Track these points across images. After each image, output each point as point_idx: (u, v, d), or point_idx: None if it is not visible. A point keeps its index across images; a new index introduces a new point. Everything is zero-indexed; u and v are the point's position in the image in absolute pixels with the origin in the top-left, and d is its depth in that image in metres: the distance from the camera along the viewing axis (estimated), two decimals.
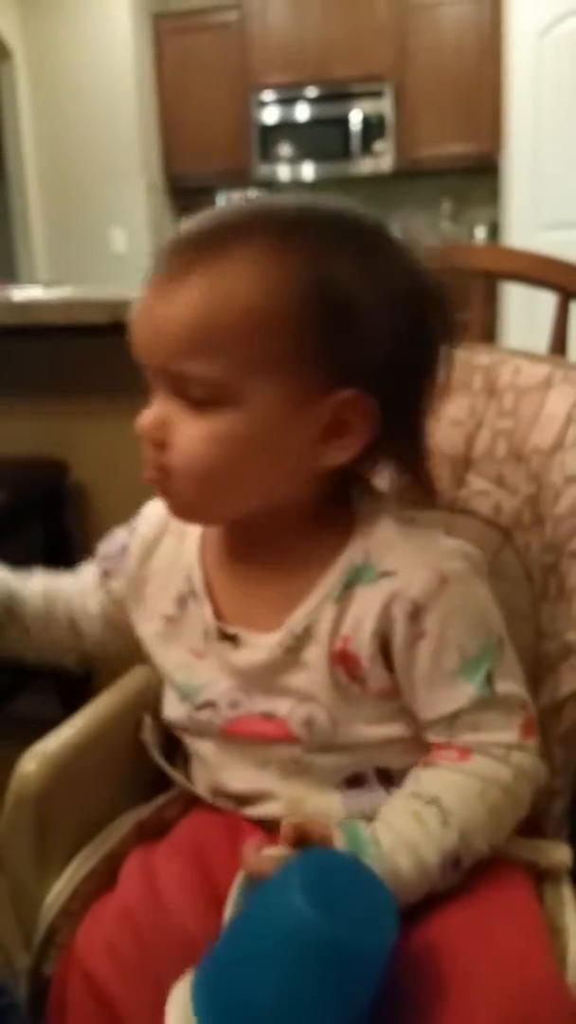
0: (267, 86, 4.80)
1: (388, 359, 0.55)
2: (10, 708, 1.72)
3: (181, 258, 0.53)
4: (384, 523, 0.59)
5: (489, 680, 0.57)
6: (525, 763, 0.58)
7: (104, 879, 0.62)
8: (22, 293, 2.22)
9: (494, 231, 4.71)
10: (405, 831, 0.54)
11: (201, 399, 0.53)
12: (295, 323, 0.52)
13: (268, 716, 0.61)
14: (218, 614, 0.62)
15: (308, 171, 4.91)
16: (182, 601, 0.63)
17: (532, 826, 0.63)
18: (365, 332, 0.54)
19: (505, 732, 0.57)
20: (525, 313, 3.50)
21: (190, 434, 0.54)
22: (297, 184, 4.97)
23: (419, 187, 4.94)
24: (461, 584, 0.58)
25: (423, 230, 0.64)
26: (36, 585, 0.71)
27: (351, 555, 0.58)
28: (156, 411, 0.55)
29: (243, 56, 4.81)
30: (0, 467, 1.64)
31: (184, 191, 5.21)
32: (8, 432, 1.72)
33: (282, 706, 0.60)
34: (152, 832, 0.65)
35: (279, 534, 0.60)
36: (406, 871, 0.52)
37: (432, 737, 0.59)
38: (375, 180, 4.90)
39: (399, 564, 0.58)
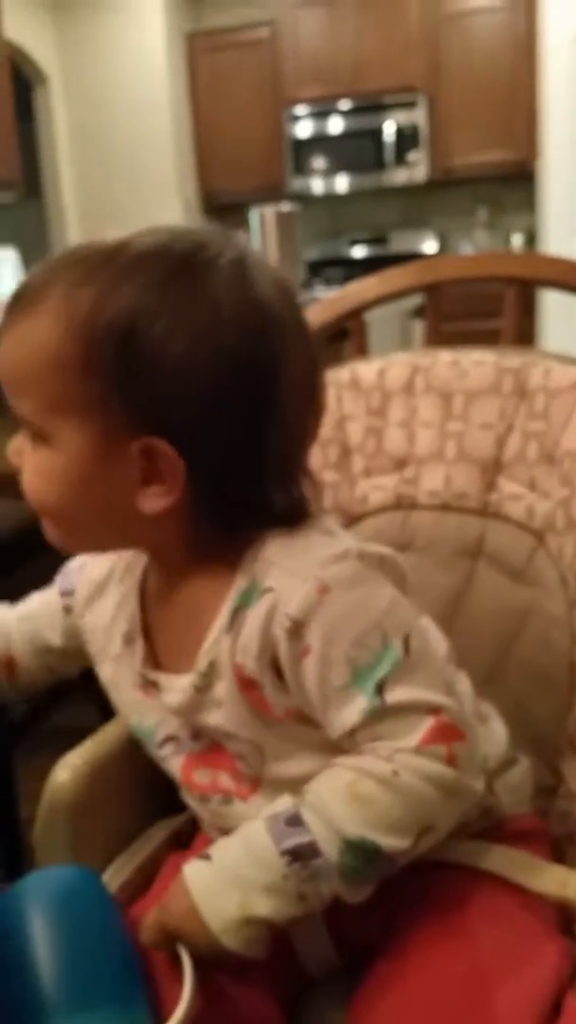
0: (300, 101, 4.84)
1: (196, 407, 0.52)
2: (49, 718, 1.74)
3: (9, 309, 0.54)
4: (269, 543, 0.56)
5: (380, 690, 0.52)
6: (418, 764, 0.52)
7: (139, 888, 0.62)
8: None
9: (531, 238, 4.68)
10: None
11: (33, 434, 0.55)
12: (84, 367, 0.51)
13: (216, 751, 0.60)
14: (152, 656, 0.62)
15: (342, 183, 4.93)
16: (129, 639, 0.63)
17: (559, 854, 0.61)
18: (165, 380, 0.51)
19: (403, 740, 0.53)
20: (564, 320, 3.46)
21: (28, 466, 0.56)
22: (331, 196, 5.01)
23: (454, 196, 4.94)
24: (344, 590, 0.54)
25: (282, 270, 0.60)
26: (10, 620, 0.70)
27: (240, 582, 0.56)
28: (15, 441, 0.57)
29: (275, 72, 4.86)
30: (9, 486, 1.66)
31: (219, 207, 5.27)
32: None
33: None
34: (186, 841, 0.65)
35: (179, 574, 0.59)
36: (231, 851, 0.53)
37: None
38: (409, 190, 4.91)
39: (277, 580, 0.55)
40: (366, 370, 0.86)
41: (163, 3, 4.79)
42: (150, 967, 0.52)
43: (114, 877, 0.62)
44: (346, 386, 0.85)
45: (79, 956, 0.50)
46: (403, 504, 0.82)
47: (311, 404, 0.59)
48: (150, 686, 0.61)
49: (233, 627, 0.56)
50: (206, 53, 5.00)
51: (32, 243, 4.83)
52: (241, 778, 0.59)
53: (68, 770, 0.62)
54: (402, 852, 0.52)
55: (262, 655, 0.55)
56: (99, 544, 0.62)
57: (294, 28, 4.79)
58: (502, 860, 0.59)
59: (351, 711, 0.53)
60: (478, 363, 0.81)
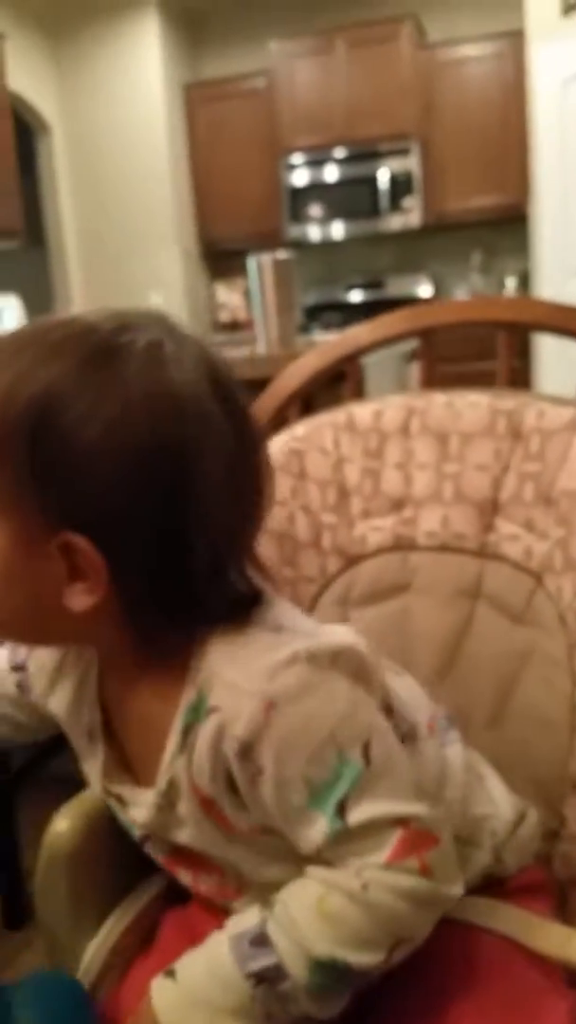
0: (296, 149, 4.95)
1: (110, 501, 0.49)
2: (49, 767, 1.73)
3: None
4: (211, 648, 0.52)
5: (341, 810, 0.49)
6: (388, 879, 0.49)
7: (140, 935, 0.61)
8: None
9: (525, 281, 4.75)
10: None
11: None
12: None
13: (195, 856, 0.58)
14: (117, 758, 0.59)
15: (338, 230, 5.02)
16: (91, 737, 0.60)
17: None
18: (78, 475, 0.48)
19: (371, 855, 0.50)
20: (559, 362, 3.50)
21: None
22: (327, 243, 5.08)
23: (448, 241, 5.02)
24: (293, 704, 0.50)
25: (206, 342, 0.55)
26: None
27: (188, 695, 0.53)
28: None
29: (272, 121, 4.97)
30: None
31: (218, 254, 5.35)
32: None
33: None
34: (184, 894, 0.64)
35: (131, 678, 0.56)
36: (198, 974, 0.51)
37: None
38: (404, 236, 4.99)
39: (221, 697, 0.51)
40: (362, 412, 0.86)
41: (161, 54, 4.92)
42: None
43: (113, 928, 0.61)
44: (343, 428, 0.86)
45: None
46: (402, 545, 0.82)
47: (246, 491, 0.54)
48: (114, 798, 0.59)
49: (186, 746, 0.53)
50: (204, 103, 5.12)
51: (35, 290, 4.89)
52: (224, 881, 0.58)
53: (67, 820, 0.61)
54: (374, 967, 0.50)
55: (215, 776, 0.52)
56: (40, 641, 0.59)
57: (290, 78, 4.91)
58: (507, 919, 0.58)
59: (313, 832, 0.50)
60: (472, 405, 0.82)
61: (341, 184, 4.93)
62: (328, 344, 1.04)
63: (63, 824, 0.61)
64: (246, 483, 0.54)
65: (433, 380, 1.11)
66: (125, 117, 4.98)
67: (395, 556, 0.82)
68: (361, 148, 4.84)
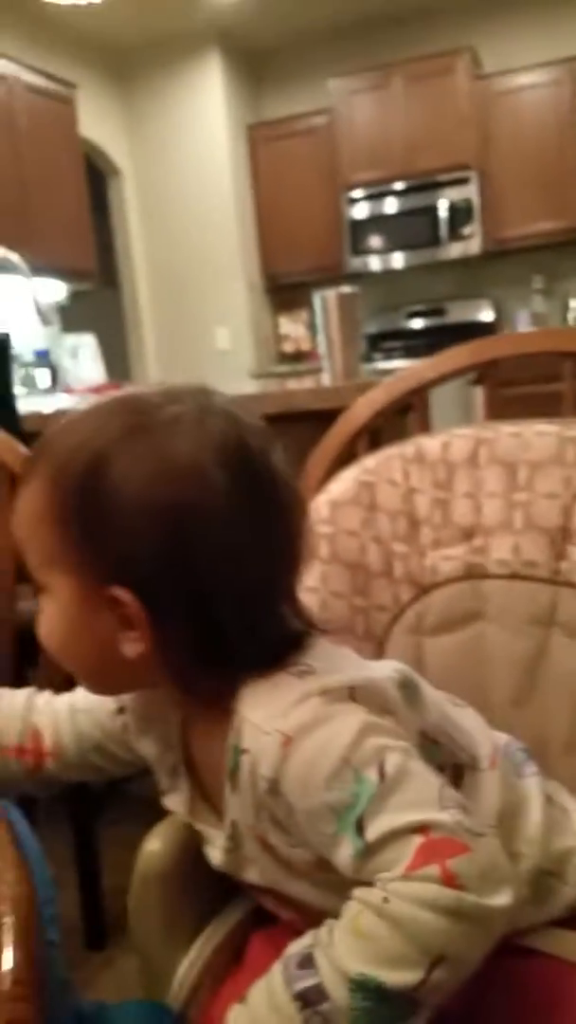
0: (357, 184, 5.02)
1: (148, 558, 0.54)
2: (129, 789, 1.76)
3: (23, 473, 0.60)
4: (243, 694, 0.56)
5: (360, 828, 0.50)
6: (408, 890, 0.49)
7: (230, 954, 0.64)
8: None
9: None
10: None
11: (40, 587, 0.59)
12: (58, 519, 0.55)
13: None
14: (198, 797, 0.63)
15: (398, 260, 5.06)
16: (174, 773, 0.64)
17: None
18: (115, 537, 0.54)
19: (394, 868, 0.50)
20: None
21: (40, 616, 0.60)
22: (388, 272, 5.12)
23: (509, 266, 5.02)
24: (306, 735, 0.52)
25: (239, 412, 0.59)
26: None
27: (231, 740, 0.56)
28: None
29: (333, 157, 5.06)
30: None
31: (281, 288, 5.44)
32: None
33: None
34: (272, 916, 0.66)
35: (194, 721, 0.61)
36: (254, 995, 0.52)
37: None
38: (464, 263, 5.00)
39: (249, 739, 0.55)
40: (430, 444, 0.88)
41: (224, 96, 5.06)
42: None
43: (204, 947, 0.64)
44: (412, 460, 0.88)
45: None
46: (473, 574, 0.83)
47: (269, 548, 0.57)
48: (199, 830, 0.62)
49: (235, 788, 0.57)
50: (266, 142, 5.25)
51: (109, 329, 5.05)
52: (302, 911, 0.59)
53: (159, 841, 0.64)
54: (412, 987, 0.47)
55: (259, 814, 0.56)
56: (110, 688, 0.64)
57: (349, 114, 5.00)
58: None
59: (343, 857, 0.51)
60: (540, 434, 0.83)
61: (401, 215, 4.98)
62: (394, 379, 1.07)
63: (155, 844, 0.64)
64: (270, 542, 0.57)
65: (497, 407, 1.13)
66: (191, 158, 5.13)
67: (466, 585, 0.83)
68: (420, 179, 4.89)
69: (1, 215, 3.87)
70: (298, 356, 5.50)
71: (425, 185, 4.90)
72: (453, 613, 0.83)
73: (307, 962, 0.50)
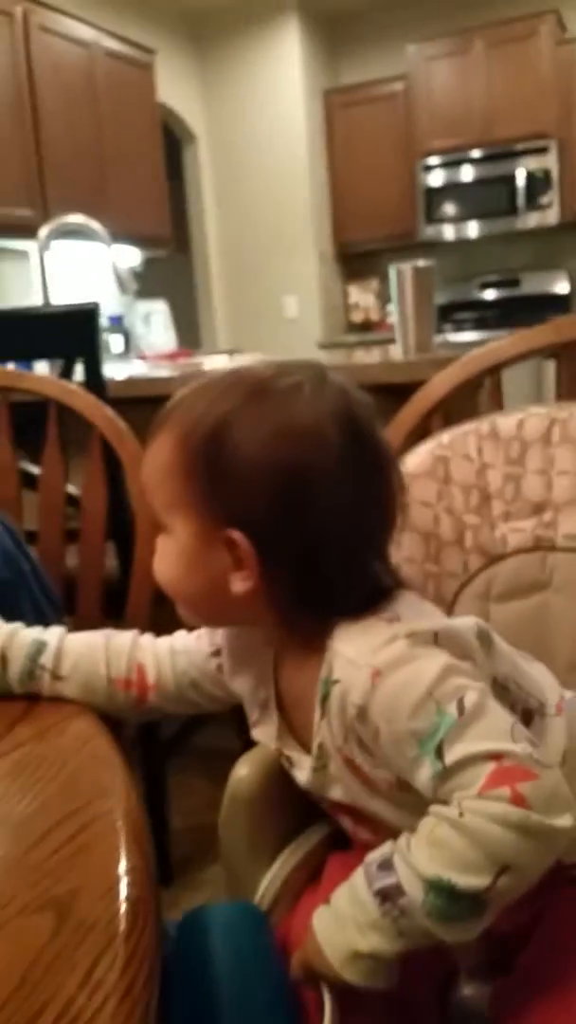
0: (433, 151, 4.97)
1: (261, 508, 0.62)
2: (192, 740, 1.86)
3: (152, 429, 0.68)
4: (337, 633, 0.63)
5: (440, 753, 0.57)
6: (481, 806, 0.55)
7: (308, 872, 0.72)
8: (212, 362, 2.41)
9: None
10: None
11: (162, 528, 0.68)
12: (187, 472, 0.64)
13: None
14: (286, 726, 0.70)
15: (472, 229, 5.01)
16: (264, 707, 0.72)
17: None
18: (235, 486, 0.62)
19: (470, 788, 0.56)
20: None
21: (156, 554, 0.68)
22: (462, 241, 5.08)
23: None
24: (395, 670, 0.60)
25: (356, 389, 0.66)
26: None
27: (323, 672, 0.64)
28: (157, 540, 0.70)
29: (409, 124, 5.01)
30: None
31: (352, 256, 5.43)
32: None
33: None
34: (348, 836, 0.74)
35: (287, 656, 0.69)
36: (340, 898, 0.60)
37: None
38: (540, 233, 4.93)
39: (342, 670, 0.62)
40: (505, 422, 0.93)
41: (302, 62, 5.04)
42: (304, 997, 0.61)
43: (285, 864, 0.71)
44: (486, 437, 0.93)
45: (243, 988, 0.60)
46: (541, 546, 0.88)
47: (372, 508, 0.65)
48: (285, 758, 0.71)
49: (325, 714, 0.64)
50: (342, 108, 5.21)
51: (180, 295, 5.12)
52: (378, 830, 0.66)
53: (246, 767, 0.72)
54: (483, 890, 0.55)
55: (347, 737, 0.63)
56: (214, 620, 0.73)
57: (427, 81, 4.93)
58: None
59: (423, 776, 0.58)
60: None
61: (477, 183, 4.92)
62: (471, 357, 1.11)
63: (243, 770, 0.72)
64: (372, 501, 0.65)
65: (572, 386, 1.16)
66: (267, 124, 5.13)
67: (534, 556, 0.88)
68: (498, 148, 4.82)
69: (81, 182, 3.96)
70: (367, 326, 5.50)
71: (503, 153, 4.82)
72: (520, 582, 0.88)
73: (387, 865, 0.58)
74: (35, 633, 0.78)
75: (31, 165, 3.72)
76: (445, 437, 0.94)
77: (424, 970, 0.61)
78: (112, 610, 1.25)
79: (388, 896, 0.57)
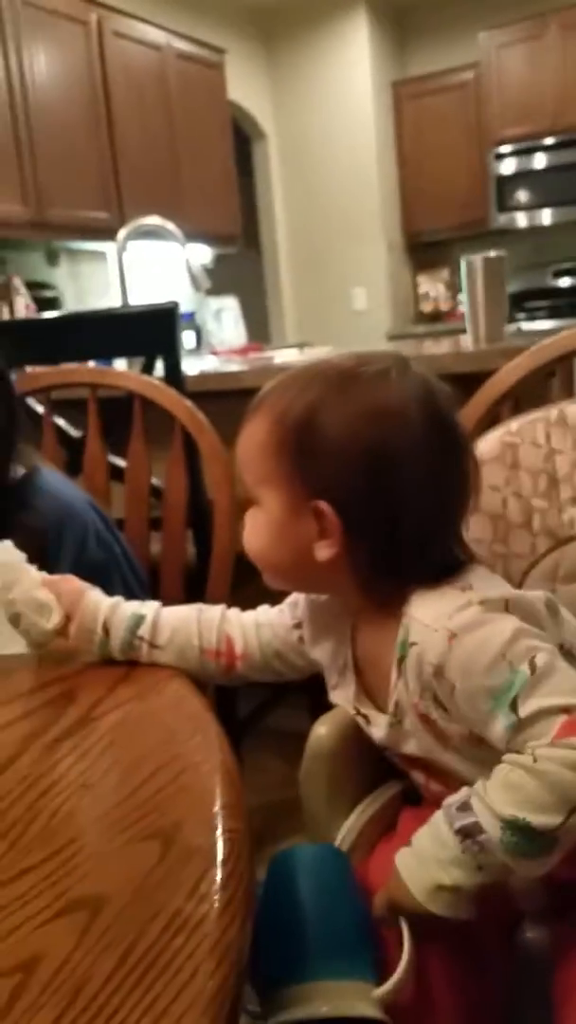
0: (504, 140, 4.93)
1: (347, 482, 0.68)
2: (267, 720, 1.93)
3: (248, 412, 0.75)
4: (413, 599, 0.69)
5: (514, 707, 0.63)
6: (554, 753, 0.61)
7: (383, 824, 0.78)
8: (282, 356, 2.47)
9: None
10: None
11: (252, 501, 0.74)
12: (279, 451, 0.70)
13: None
14: (362, 688, 0.76)
15: (546, 217, 4.95)
16: (342, 672, 0.78)
17: None
18: (324, 460, 0.68)
19: (543, 738, 0.62)
20: None
21: (247, 526, 0.75)
22: (535, 229, 5.02)
23: None
24: (469, 632, 0.65)
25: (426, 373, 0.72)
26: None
27: (399, 635, 0.69)
28: (247, 513, 0.76)
29: (480, 113, 4.98)
30: None
31: (422, 246, 5.42)
32: None
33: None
34: (419, 793, 0.80)
35: (365, 621, 0.75)
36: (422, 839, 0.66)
37: None
38: None
39: (419, 634, 0.68)
40: (573, 410, 0.97)
41: (370, 54, 5.05)
42: (387, 941, 0.66)
43: (361, 815, 0.78)
44: (555, 424, 0.96)
45: (328, 919, 0.66)
46: None
47: (448, 485, 0.71)
48: (362, 717, 0.77)
49: (401, 674, 0.70)
50: (411, 99, 5.21)
51: (250, 291, 5.20)
52: (449, 783, 0.72)
53: (325, 726, 0.78)
54: (555, 828, 0.60)
55: (424, 695, 0.69)
56: (298, 586, 0.79)
57: (498, 69, 4.89)
58: None
59: (498, 728, 0.64)
60: None
61: (551, 170, 4.87)
62: (540, 347, 1.14)
63: (322, 729, 0.78)
64: (449, 480, 0.72)
65: None
66: (335, 118, 5.16)
67: None
68: (572, 134, 4.75)
69: (155, 183, 4.07)
70: (436, 316, 5.49)
71: None
72: None
73: (465, 807, 0.64)
74: (134, 606, 0.86)
75: (107, 169, 3.84)
76: (514, 424, 0.98)
77: (492, 913, 0.66)
78: (191, 593, 1.33)
79: (468, 834, 0.62)
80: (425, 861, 0.64)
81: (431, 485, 0.70)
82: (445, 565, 0.72)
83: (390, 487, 0.69)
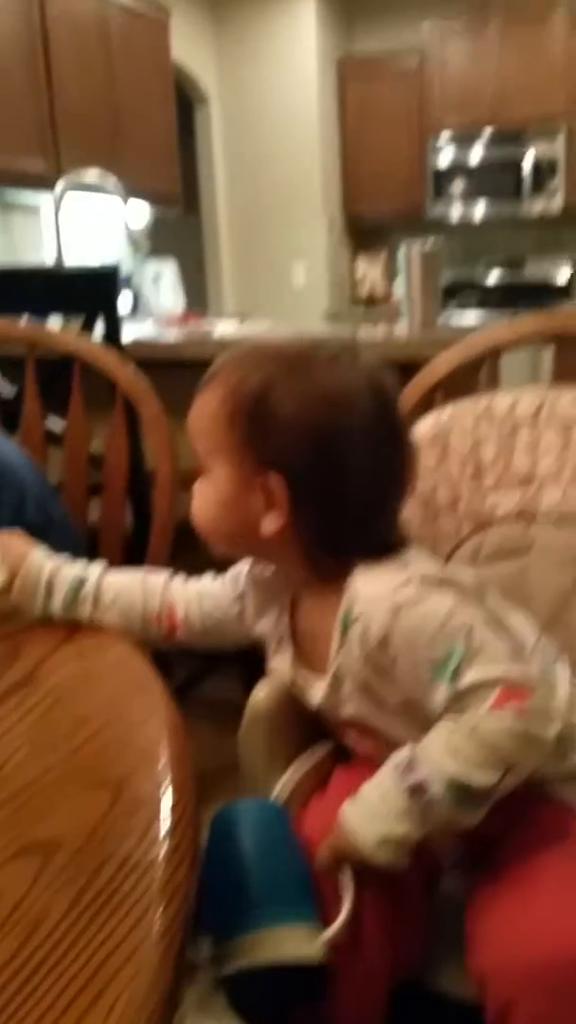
0: (444, 128, 4.98)
1: (297, 457, 0.72)
2: (200, 690, 1.97)
3: (201, 384, 0.78)
4: (357, 574, 0.73)
5: (455, 676, 0.68)
6: (490, 721, 0.67)
7: (316, 780, 0.83)
8: (223, 328, 2.48)
9: None
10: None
11: (202, 471, 0.77)
12: (231, 422, 0.73)
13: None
14: (299, 656, 0.81)
15: (479, 211, 5.04)
16: (280, 642, 0.83)
17: None
18: (277, 434, 0.72)
19: (480, 706, 0.68)
20: None
21: (195, 496, 0.78)
22: (468, 223, 5.11)
23: None
24: (411, 607, 0.70)
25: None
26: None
27: (343, 607, 0.74)
28: (195, 484, 0.79)
29: (421, 100, 5.02)
30: None
31: (361, 229, 5.45)
32: None
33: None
34: (350, 752, 0.85)
35: (307, 593, 0.79)
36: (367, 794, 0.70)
37: None
38: (546, 220, 4.97)
39: (363, 607, 0.72)
40: (500, 402, 1.02)
41: (317, 28, 5.02)
42: (324, 888, 0.71)
43: (295, 772, 0.82)
44: (482, 415, 1.02)
45: (272, 870, 0.70)
46: (525, 516, 0.98)
47: (390, 466, 0.76)
48: (298, 684, 0.81)
49: (343, 644, 0.74)
50: (356, 79, 5.20)
51: (189, 258, 5.14)
52: (379, 742, 0.77)
53: (264, 690, 0.83)
54: (491, 787, 0.67)
55: (366, 664, 0.73)
56: (243, 555, 0.82)
57: (441, 59, 4.93)
58: None
59: (438, 697, 0.69)
60: None
61: (485, 165, 4.95)
62: (472, 339, 1.20)
63: (261, 693, 0.83)
64: (392, 463, 0.76)
65: (565, 372, 1.25)
66: (280, 89, 5.12)
67: (518, 525, 0.98)
68: (508, 130, 4.84)
69: (94, 136, 3.97)
70: (372, 300, 5.54)
71: (512, 136, 4.84)
72: (504, 547, 0.98)
73: (412, 767, 0.69)
74: (78, 568, 0.88)
75: (44, 117, 3.72)
76: (446, 412, 1.04)
77: (415, 865, 0.71)
78: (129, 562, 1.34)
79: (416, 791, 0.68)
80: (373, 815, 0.69)
81: (376, 467, 0.74)
82: (385, 544, 0.76)
83: (338, 466, 0.72)
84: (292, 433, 0.71)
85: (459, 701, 0.69)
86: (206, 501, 0.77)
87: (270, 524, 0.74)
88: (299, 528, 0.74)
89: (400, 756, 0.70)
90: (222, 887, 0.69)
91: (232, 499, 0.75)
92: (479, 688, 0.68)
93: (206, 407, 0.75)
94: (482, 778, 0.67)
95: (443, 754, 0.68)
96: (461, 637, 0.69)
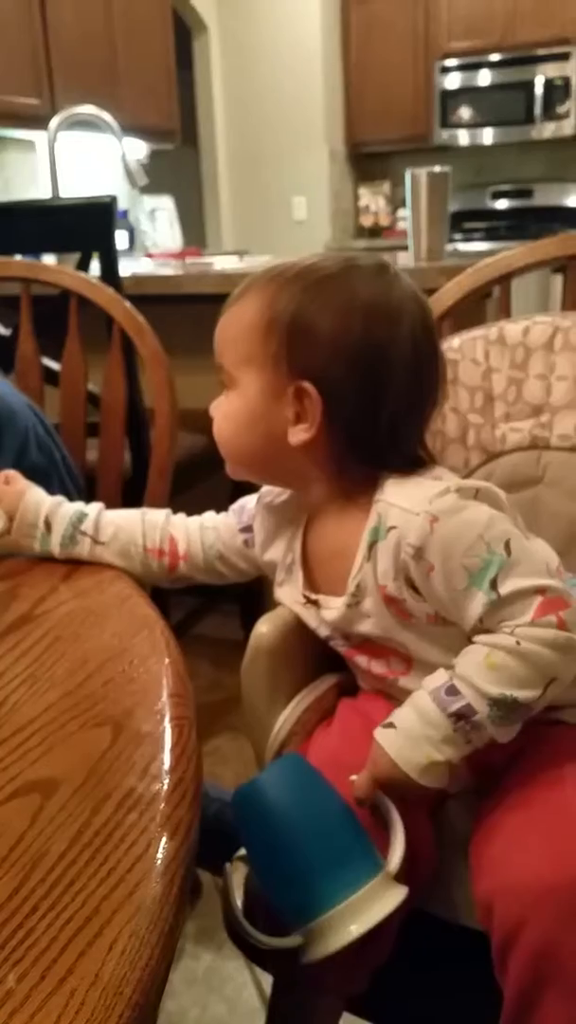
0: (451, 53, 4.81)
1: (333, 366, 0.71)
2: (198, 628, 1.98)
3: (229, 300, 0.77)
4: (387, 487, 0.73)
5: (494, 585, 0.67)
6: (534, 633, 0.66)
7: (319, 713, 0.82)
8: (222, 262, 2.41)
9: None
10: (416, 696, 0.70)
11: (227, 384, 0.75)
12: (266, 332, 0.72)
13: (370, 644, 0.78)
14: (310, 581, 0.80)
15: (487, 136, 4.90)
16: (290, 569, 0.82)
17: None
18: (315, 343, 0.71)
19: (521, 617, 0.67)
20: None
21: (218, 414, 0.77)
22: (476, 148, 4.97)
23: None
24: (449, 516, 0.69)
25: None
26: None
27: (371, 522, 0.73)
28: (215, 400, 0.78)
29: (428, 23, 4.84)
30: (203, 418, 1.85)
31: (365, 157, 5.31)
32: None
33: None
34: (349, 690, 0.84)
35: (327, 513, 0.77)
36: (405, 717, 0.69)
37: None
38: (556, 144, 4.83)
39: (397, 518, 0.71)
40: (512, 329, 0.99)
41: None
42: (361, 817, 0.69)
43: (298, 705, 0.82)
44: (493, 342, 0.99)
45: (324, 835, 0.67)
46: (537, 445, 0.95)
47: (424, 384, 0.75)
48: (312, 604, 0.80)
49: (371, 558, 0.73)
50: (360, 4, 5.01)
51: (187, 190, 5.01)
52: (393, 663, 0.77)
53: (267, 624, 0.82)
54: (535, 700, 0.67)
55: (398, 577, 0.72)
56: (264, 475, 0.81)
57: None
58: None
59: (475, 605, 0.68)
60: None
61: (494, 88, 4.79)
62: (482, 266, 1.15)
63: (264, 627, 0.81)
64: (427, 378, 0.76)
65: None
66: (280, 16, 4.94)
67: (530, 454, 0.96)
68: (518, 53, 4.67)
69: (91, 70, 3.84)
70: (376, 231, 5.42)
71: (522, 59, 4.67)
72: (515, 477, 0.96)
73: (452, 691, 0.68)
74: (77, 505, 0.86)
75: (38, 52, 3.60)
76: (455, 341, 1.00)
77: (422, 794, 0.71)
78: (128, 502, 1.32)
79: (462, 716, 0.67)
80: (416, 741, 0.68)
81: (413, 379, 0.73)
82: (414, 459, 0.76)
83: (377, 377, 0.72)
84: (334, 343, 0.71)
85: (498, 610, 0.68)
86: (230, 417, 0.76)
87: (299, 435, 0.73)
88: (330, 439, 0.73)
89: (437, 681, 0.69)
90: (279, 872, 0.67)
91: (260, 411, 0.73)
92: (519, 597, 0.67)
93: (241, 317, 0.74)
94: (527, 693, 0.67)
95: (484, 674, 0.67)
96: (501, 545, 0.68)
